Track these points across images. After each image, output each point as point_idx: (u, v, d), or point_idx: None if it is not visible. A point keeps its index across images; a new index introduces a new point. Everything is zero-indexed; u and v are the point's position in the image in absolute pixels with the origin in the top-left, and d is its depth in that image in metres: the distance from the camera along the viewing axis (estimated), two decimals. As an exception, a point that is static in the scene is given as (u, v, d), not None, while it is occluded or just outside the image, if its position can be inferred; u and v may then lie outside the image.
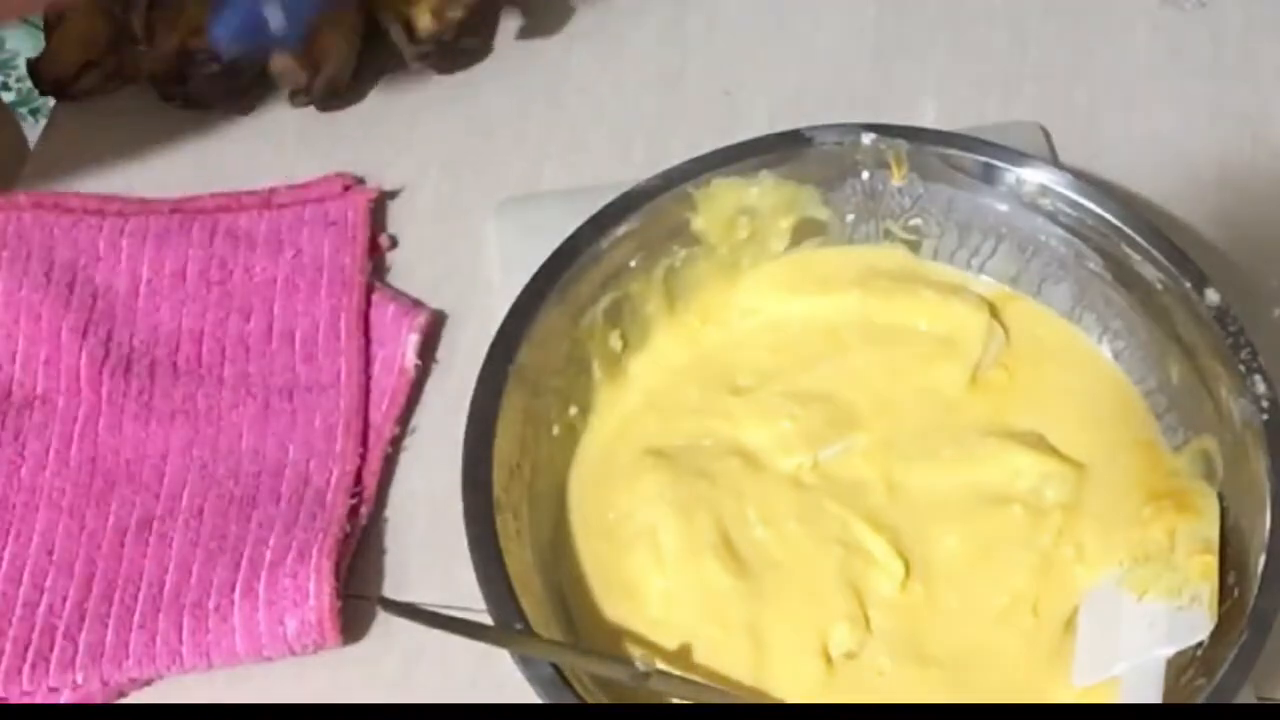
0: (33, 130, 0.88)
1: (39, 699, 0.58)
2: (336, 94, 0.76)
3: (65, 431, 0.65)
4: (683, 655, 0.58)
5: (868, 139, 0.65)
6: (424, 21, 0.75)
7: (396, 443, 0.66)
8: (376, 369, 0.67)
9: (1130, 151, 0.75)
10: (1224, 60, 0.79)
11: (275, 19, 0.67)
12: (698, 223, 0.65)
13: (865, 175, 0.65)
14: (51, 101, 0.78)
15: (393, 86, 0.78)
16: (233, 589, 0.60)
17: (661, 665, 0.56)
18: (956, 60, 0.79)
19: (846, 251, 0.67)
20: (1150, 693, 0.54)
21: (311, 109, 0.76)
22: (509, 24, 0.80)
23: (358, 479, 0.64)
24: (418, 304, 0.69)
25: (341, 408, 0.65)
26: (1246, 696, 0.55)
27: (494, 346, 0.60)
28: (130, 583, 0.61)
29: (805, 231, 0.67)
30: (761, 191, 0.65)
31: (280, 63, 0.74)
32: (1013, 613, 0.59)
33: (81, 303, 0.68)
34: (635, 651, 0.57)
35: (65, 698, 0.59)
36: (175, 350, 0.67)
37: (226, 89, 0.76)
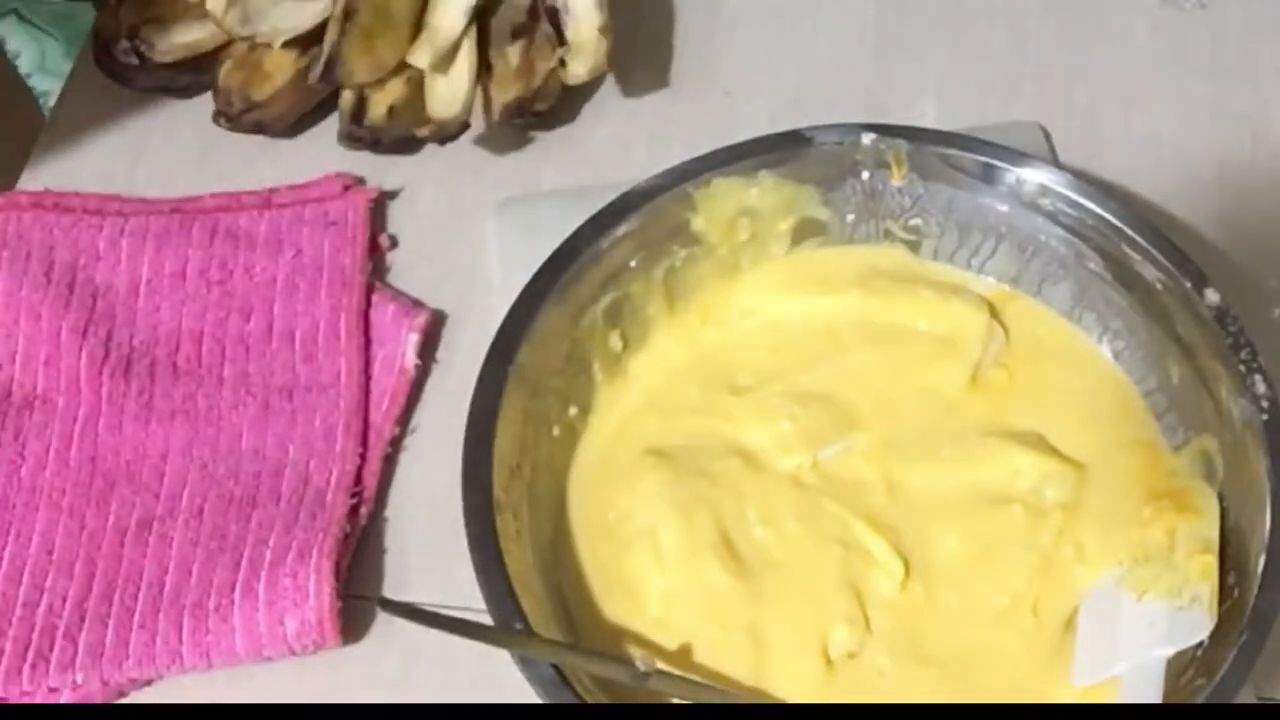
0: (33, 130, 0.87)
1: (39, 699, 0.58)
2: (266, 131, 0.75)
3: (65, 431, 0.65)
4: (683, 655, 0.58)
5: (868, 139, 0.65)
6: (377, 111, 0.72)
7: (396, 443, 0.66)
8: (376, 369, 0.67)
9: (1130, 151, 0.75)
10: (1224, 60, 0.79)
11: None
12: (698, 223, 0.65)
13: (865, 175, 0.65)
14: (52, 101, 0.78)
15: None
16: (233, 589, 0.60)
17: (662, 665, 0.56)
18: (956, 60, 0.79)
19: (846, 251, 0.67)
20: (1150, 693, 0.54)
21: (309, 110, 0.76)
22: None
23: (358, 479, 0.64)
24: (418, 304, 0.69)
25: (341, 408, 0.65)
26: (1246, 696, 0.55)
27: (494, 346, 0.60)
28: (130, 583, 0.61)
29: (805, 231, 0.67)
30: (761, 192, 0.65)
31: (223, 79, 0.73)
32: (1013, 613, 0.59)
33: (81, 303, 0.68)
34: (635, 651, 0.57)
35: (65, 698, 0.59)
36: (175, 350, 0.67)
37: (157, 82, 0.75)
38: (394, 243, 0.72)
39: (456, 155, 0.76)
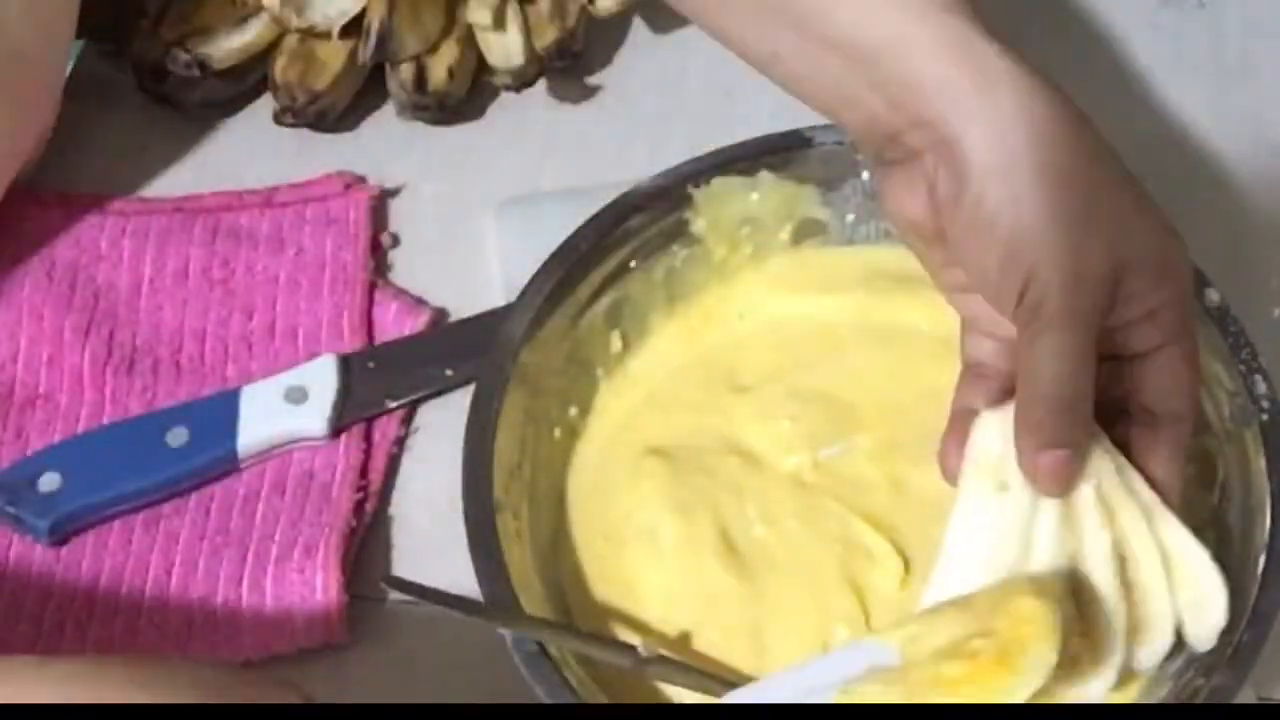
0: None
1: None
2: (326, 120, 0.75)
3: (68, 430, 0.65)
4: (683, 653, 0.58)
5: (868, 139, 0.65)
6: (437, 75, 0.73)
7: (399, 442, 0.66)
8: (379, 367, 0.67)
9: (1130, 151, 0.74)
10: (1224, 60, 0.79)
11: None
12: (698, 223, 0.65)
13: (865, 175, 0.65)
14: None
15: (394, 86, 0.78)
16: (239, 584, 0.60)
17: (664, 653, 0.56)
18: (957, 60, 0.79)
19: (846, 251, 0.67)
20: None
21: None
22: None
23: (363, 474, 0.64)
24: (420, 302, 0.69)
25: (344, 406, 0.66)
26: (1246, 696, 0.55)
27: (494, 346, 0.60)
28: (137, 577, 0.61)
29: (805, 231, 0.67)
30: (762, 192, 0.65)
31: (281, 75, 0.74)
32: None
33: (84, 302, 0.68)
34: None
35: (68, 696, 0.59)
36: (178, 349, 0.67)
37: (204, 96, 0.75)
38: (395, 241, 0.72)
39: (457, 155, 0.76)
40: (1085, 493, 0.52)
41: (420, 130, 0.76)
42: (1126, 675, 0.53)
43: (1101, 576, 0.52)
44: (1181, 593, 0.53)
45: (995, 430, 0.53)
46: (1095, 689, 0.52)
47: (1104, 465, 0.52)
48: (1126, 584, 0.52)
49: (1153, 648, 0.53)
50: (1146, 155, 0.74)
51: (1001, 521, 0.52)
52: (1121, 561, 0.52)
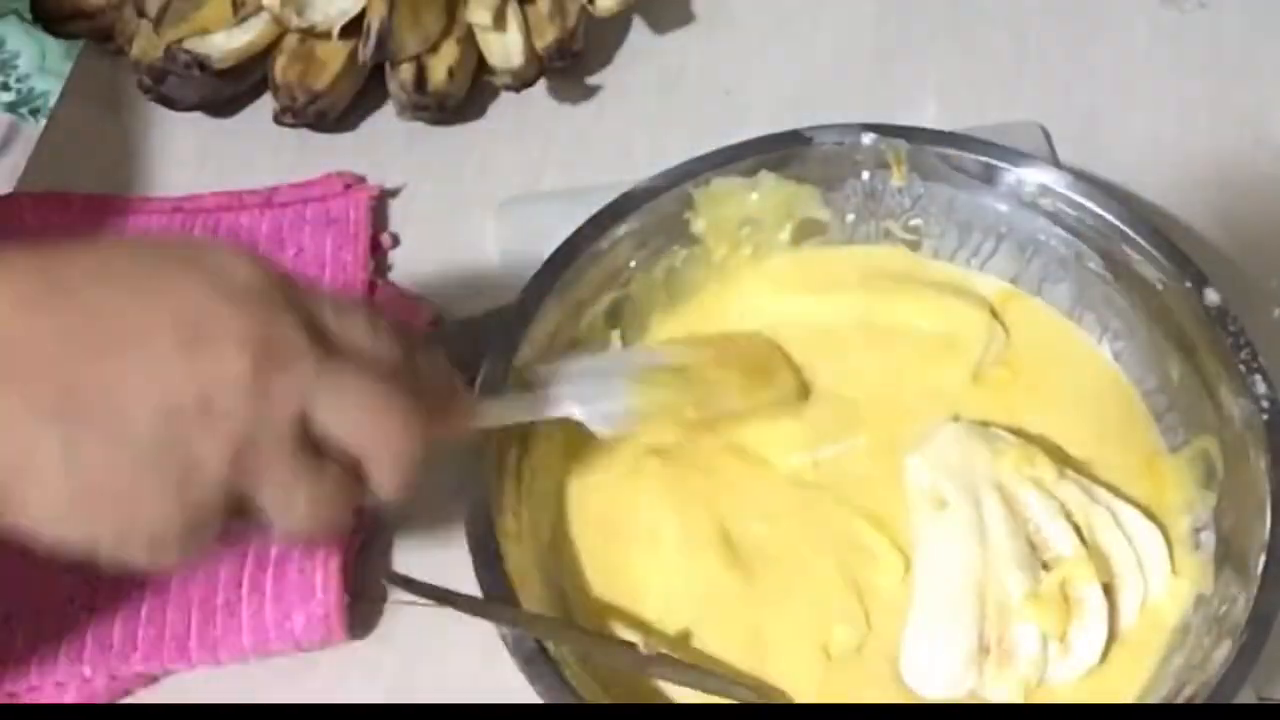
0: (33, 130, 0.88)
1: (46, 693, 0.58)
2: (326, 119, 0.75)
3: (67, 431, 0.65)
4: (683, 652, 0.58)
5: (868, 139, 0.65)
6: (437, 76, 0.74)
7: (398, 442, 0.66)
8: (378, 368, 0.67)
9: (1130, 151, 0.75)
10: (1224, 60, 0.79)
11: None
12: (698, 223, 0.65)
13: (865, 175, 0.65)
14: (51, 101, 0.78)
15: (393, 86, 0.78)
16: (240, 584, 0.60)
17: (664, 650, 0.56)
18: (956, 60, 0.79)
19: (846, 251, 0.67)
20: None
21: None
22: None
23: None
24: (421, 302, 0.69)
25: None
26: (1246, 696, 0.55)
27: (494, 346, 0.60)
28: (137, 578, 0.61)
29: (805, 231, 0.67)
30: (761, 192, 0.65)
31: (281, 75, 0.74)
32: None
33: (83, 302, 0.68)
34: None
35: (71, 695, 0.58)
36: (177, 350, 0.67)
37: (203, 96, 0.75)
38: (395, 241, 0.72)
39: (457, 155, 0.76)
40: (1017, 481, 0.59)
41: (420, 130, 0.76)
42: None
43: (1063, 543, 0.58)
44: (1135, 544, 0.59)
45: (922, 466, 0.60)
46: (1089, 652, 0.57)
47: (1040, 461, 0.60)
48: (1089, 546, 0.58)
49: (1127, 596, 0.58)
50: (1147, 155, 0.75)
51: (956, 529, 0.58)
52: (1077, 529, 0.58)
